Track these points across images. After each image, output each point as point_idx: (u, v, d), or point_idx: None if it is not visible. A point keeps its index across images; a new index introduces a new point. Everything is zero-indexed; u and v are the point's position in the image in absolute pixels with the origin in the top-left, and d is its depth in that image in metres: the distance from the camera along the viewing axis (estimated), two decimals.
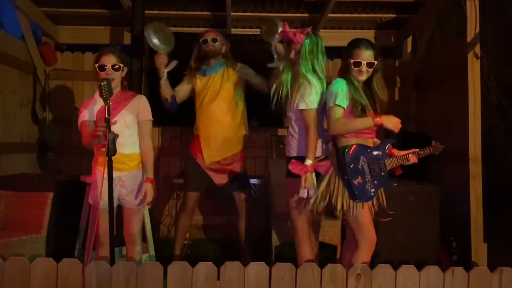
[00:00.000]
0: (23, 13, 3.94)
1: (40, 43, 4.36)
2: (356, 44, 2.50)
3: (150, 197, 2.58)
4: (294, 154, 2.63)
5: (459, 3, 3.58)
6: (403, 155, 2.57)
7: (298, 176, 2.54)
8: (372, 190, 2.47)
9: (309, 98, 2.54)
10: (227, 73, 3.33)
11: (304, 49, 2.58)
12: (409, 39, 4.67)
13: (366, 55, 2.47)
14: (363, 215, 2.47)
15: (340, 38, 4.57)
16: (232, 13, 4.19)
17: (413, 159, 2.58)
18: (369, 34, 4.62)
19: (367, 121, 2.46)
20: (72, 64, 4.60)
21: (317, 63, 2.60)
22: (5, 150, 3.76)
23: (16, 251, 2.69)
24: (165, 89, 3.29)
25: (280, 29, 2.95)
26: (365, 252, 2.47)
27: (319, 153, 2.60)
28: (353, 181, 2.43)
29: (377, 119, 2.46)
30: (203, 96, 3.30)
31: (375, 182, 2.47)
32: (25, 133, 4.18)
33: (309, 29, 2.66)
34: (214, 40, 3.32)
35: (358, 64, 2.47)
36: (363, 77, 2.50)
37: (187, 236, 4.23)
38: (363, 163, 2.47)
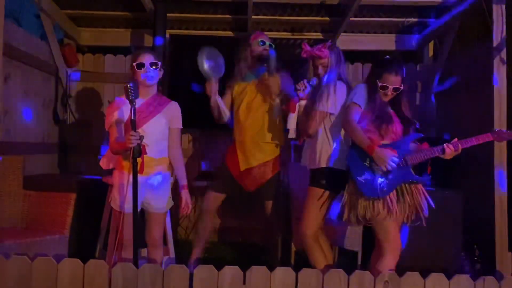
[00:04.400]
0: (47, 15, 3.99)
1: (59, 43, 4.41)
2: (387, 68, 2.53)
3: (190, 206, 2.66)
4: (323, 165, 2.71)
5: (482, 7, 3.53)
6: (434, 147, 2.47)
7: (319, 185, 2.68)
8: (384, 186, 2.44)
9: (328, 102, 2.68)
10: (265, 79, 3.19)
11: (331, 61, 2.73)
12: (431, 44, 4.63)
13: (394, 81, 2.53)
14: (389, 221, 2.43)
15: (361, 42, 4.58)
16: (253, 17, 4.19)
17: (450, 149, 2.40)
18: (391, 38, 4.59)
19: (363, 142, 2.46)
20: (93, 65, 4.64)
21: (342, 72, 2.77)
22: (27, 151, 3.79)
23: (39, 251, 2.71)
24: (220, 112, 3.21)
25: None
26: (390, 259, 2.44)
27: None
28: (358, 178, 2.47)
29: (371, 148, 2.43)
30: (239, 102, 3.23)
31: (390, 177, 2.45)
32: (47, 134, 4.22)
33: (329, 43, 2.80)
34: (263, 42, 3.22)
35: (384, 87, 2.54)
36: (387, 99, 2.58)
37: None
38: (370, 159, 2.48)
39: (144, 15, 4.17)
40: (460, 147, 2.42)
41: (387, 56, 2.69)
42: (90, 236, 3.34)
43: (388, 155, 2.40)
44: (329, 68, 2.75)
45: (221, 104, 3.21)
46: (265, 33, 4.47)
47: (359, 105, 2.55)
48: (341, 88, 2.71)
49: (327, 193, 2.68)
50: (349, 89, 2.75)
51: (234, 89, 3.30)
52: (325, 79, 2.76)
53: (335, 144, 2.71)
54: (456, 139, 2.46)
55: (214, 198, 3.31)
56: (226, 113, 3.28)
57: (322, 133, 2.74)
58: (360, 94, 2.57)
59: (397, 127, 2.55)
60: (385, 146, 2.49)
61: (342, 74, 2.78)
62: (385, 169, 2.41)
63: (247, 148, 3.20)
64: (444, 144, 2.44)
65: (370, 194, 2.45)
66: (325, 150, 2.72)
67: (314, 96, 2.75)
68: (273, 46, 3.29)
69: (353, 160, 2.53)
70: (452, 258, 3.31)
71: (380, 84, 2.52)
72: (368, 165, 2.48)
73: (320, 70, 2.77)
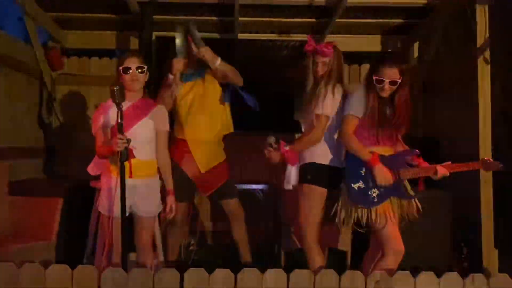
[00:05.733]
0: (31, 17, 3.93)
1: (44, 46, 4.34)
2: (381, 60, 2.48)
3: (174, 211, 2.63)
4: (309, 160, 2.65)
5: (466, 9, 3.59)
6: (427, 167, 2.48)
7: (312, 182, 2.61)
8: (376, 197, 2.44)
9: (326, 104, 2.60)
10: (209, 76, 3.13)
11: (333, 61, 2.66)
12: (416, 45, 4.68)
13: (390, 73, 2.42)
14: (387, 223, 2.43)
15: (347, 43, 4.58)
16: (240, 18, 4.18)
17: (442, 171, 2.45)
18: (376, 39, 4.63)
19: (364, 155, 2.45)
20: (78, 69, 4.61)
21: (342, 74, 2.71)
22: (12, 155, 3.73)
23: (26, 258, 2.63)
24: (168, 98, 3.00)
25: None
26: (391, 261, 2.40)
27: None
28: (352, 185, 2.45)
29: (372, 162, 2.42)
30: (189, 101, 3.10)
31: (382, 189, 2.45)
32: (32, 138, 4.16)
33: (334, 43, 2.73)
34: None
35: (380, 81, 2.44)
36: (385, 94, 2.47)
37: (193, 242, 4.21)
38: (367, 169, 2.46)
39: (130, 17, 4.14)
40: (447, 172, 2.47)
41: (388, 50, 2.66)
42: (77, 241, 3.28)
43: (388, 175, 2.42)
44: (330, 68, 2.67)
45: (178, 87, 3.04)
46: (253, 34, 4.57)
47: (357, 116, 2.48)
48: (339, 91, 2.65)
49: (316, 188, 2.61)
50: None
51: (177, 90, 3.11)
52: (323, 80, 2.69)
53: (322, 143, 2.67)
54: (449, 162, 2.49)
55: (182, 209, 3.07)
56: (169, 103, 3.06)
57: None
58: (357, 102, 2.49)
59: (392, 132, 2.51)
60: (381, 158, 2.47)
61: (341, 76, 2.73)
62: (379, 185, 2.43)
63: (206, 149, 3.10)
64: (437, 166, 2.47)
65: (360, 202, 2.44)
66: (311, 149, 2.67)
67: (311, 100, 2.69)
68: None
69: (349, 166, 2.50)
70: (441, 257, 3.34)
71: (375, 78, 2.43)
72: (363, 174, 2.46)
73: (320, 67, 2.67)
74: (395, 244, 2.42)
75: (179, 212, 3.02)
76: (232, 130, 3.25)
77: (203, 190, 3.20)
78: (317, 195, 2.61)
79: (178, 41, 3.01)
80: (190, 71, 3.11)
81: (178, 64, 2.95)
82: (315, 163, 2.63)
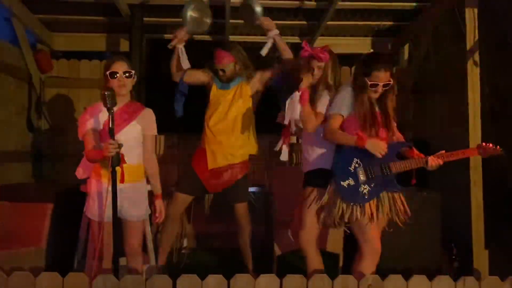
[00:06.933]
0: (19, 20, 3.88)
1: (32, 48, 4.29)
2: (376, 65, 2.46)
3: (163, 215, 2.62)
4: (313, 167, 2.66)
5: (455, 11, 3.62)
6: (417, 158, 2.47)
7: (316, 185, 2.62)
8: (367, 193, 2.44)
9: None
10: (240, 89, 3.23)
11: (332, 65, 2.70)
12: (406, 46, 4.71)
13: (384, 77, 2.47)
14: (367, 223, 2.44)
15: (338, 45, 4.60)
16: (231, 21, 4.17)
17: (434, 161, 2.43)
18: (366, 41, 4.65)
19: (350, 139, 2.46)
20: (68, 71, 4.56)
21: (337, 76, 2.76)
22: (0, 159, 3.68)
23: (15, 264, 2.60)
24: (177, 65, 3.23)
25: (258, 10, 3.31)
26: (369, 262, 2.43)
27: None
28: (341, 182, 2.45)
29: (362, 140, 2.42)
30: (213, 110, 3.23)
31: (372, 185, 2.45)
32: (20, 142, 4.11)
33: (327, 48, 2.75)
34: (223, 70, 3.20)
35: (375, 85, 2.47)
36: (377, 96, 2.52)
37: (185, 245, 4.19)
38: (356, 165, 2.48)
39: (120, 19, 4.11)
40: (440, 161, 2.44)
41: (371, 51, 2.66)
42: (67, 247, 3.25)
43: (381, 143, 2.41)
44: (326, 74, 2.71)
45: (183, 55, 3.23)
46: (244, 36, 4.55)
47: (342, 115, 2.53)
48: (327, 96, 2.70)
49: (321, 191, 2.62)
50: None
51: (211, 90, 3.27)
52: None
53: (329, 149, 2.68)
54: (443, 151, 2.47)
55: (182, 201, 3.21)
56: (185, 65, 3.27)
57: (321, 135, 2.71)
58: (343, 101, 2.52)
59: (382, 131, 2.52)
60: (363, 150, 2.46)
61: (335, 79, 2.77)
62: (380, 156, 2.41)
63: (217, 147, 3.18)
64: (429, 157, 2.45)
65: (351, 200, 2.44)
66: (324, 151, 2.69)
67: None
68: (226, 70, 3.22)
69: (338, 164, 2.52)
70: (431, 257, 3.36)
71: (370, 82, 2.46)
72: (353, 170, 2.47)
73: (316, 71, 2.71)
74: (374, 245, 2.44)
75: (179, 204, 3.20)
76: (253, 151, 3.29)
77: (210, 188, 3.24)
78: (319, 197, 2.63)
79: (187, 13, 3.33)
80: (227, 81, 3.23)
81: (179, 33, 3.21)
82: (323, 168, 2.63)
